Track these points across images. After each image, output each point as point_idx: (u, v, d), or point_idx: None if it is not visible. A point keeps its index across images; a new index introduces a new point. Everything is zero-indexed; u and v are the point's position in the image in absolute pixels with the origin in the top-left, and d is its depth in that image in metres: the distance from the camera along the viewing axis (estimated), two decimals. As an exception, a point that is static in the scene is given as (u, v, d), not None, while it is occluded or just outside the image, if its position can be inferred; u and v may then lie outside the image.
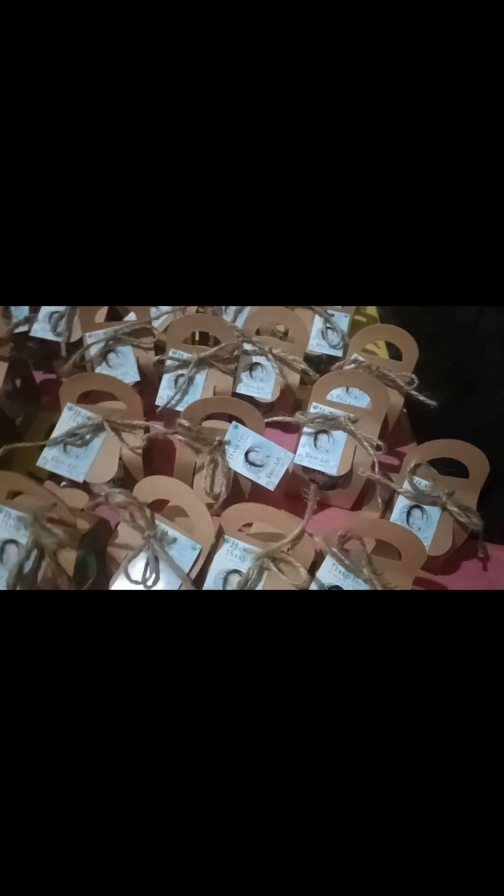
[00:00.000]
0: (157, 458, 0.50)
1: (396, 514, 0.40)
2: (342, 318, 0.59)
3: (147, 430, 0.43)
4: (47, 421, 0.55)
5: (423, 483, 0.41)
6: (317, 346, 0.58)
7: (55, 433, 0.42)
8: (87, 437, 0.42)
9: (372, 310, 0.74)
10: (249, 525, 0.39)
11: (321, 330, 0.59)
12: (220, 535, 0.36)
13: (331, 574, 0.34)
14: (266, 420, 0.43)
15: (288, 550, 0.34)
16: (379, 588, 0.32)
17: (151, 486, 0.36)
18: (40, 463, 0.41)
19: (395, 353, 0.54)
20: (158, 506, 0.37)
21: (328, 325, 0.59)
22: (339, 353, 0.58)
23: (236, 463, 0.42)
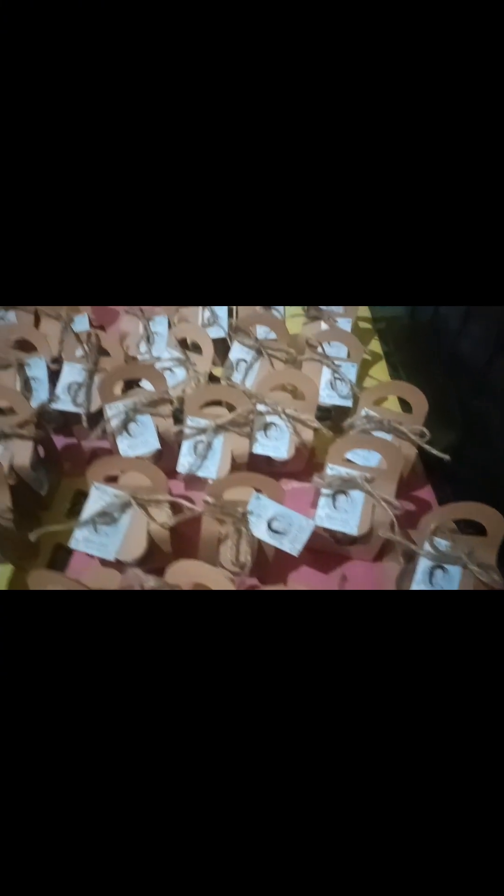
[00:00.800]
0: (181, 526, 0.51)
1: (420, 576, 0.42)
2: (349, 367, 0.61)
3: (173, 504, 0.45)
4: (71, 489, 0.57)
5: (443, 544, 0.42)
6: (326, 397, 0.60)
7: (84, 514, 0.44)
8: (116, 514, 0.44)
9: (376, 346, 0.76)
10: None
11: (329, 381, 0.60)
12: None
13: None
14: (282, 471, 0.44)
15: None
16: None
17: (184, 570, 0.37)
18: (72, 545, 0.43)
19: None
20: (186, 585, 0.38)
21: (336, 375, 0.60)
22: (348, 404, 0.60)
23: (260, 531, 0.44)
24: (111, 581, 0.42)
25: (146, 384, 0.57)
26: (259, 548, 0.45)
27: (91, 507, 0.44)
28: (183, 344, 0.62)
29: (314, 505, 0.52)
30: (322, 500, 0.47)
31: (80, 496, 0.56)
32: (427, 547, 0.42)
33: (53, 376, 0.57)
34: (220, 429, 0.51)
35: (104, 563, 0.45)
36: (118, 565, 0.44)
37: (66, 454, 0.60)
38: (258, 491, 0.43)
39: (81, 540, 0.43)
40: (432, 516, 0.43)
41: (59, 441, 0.61)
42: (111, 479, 0.46)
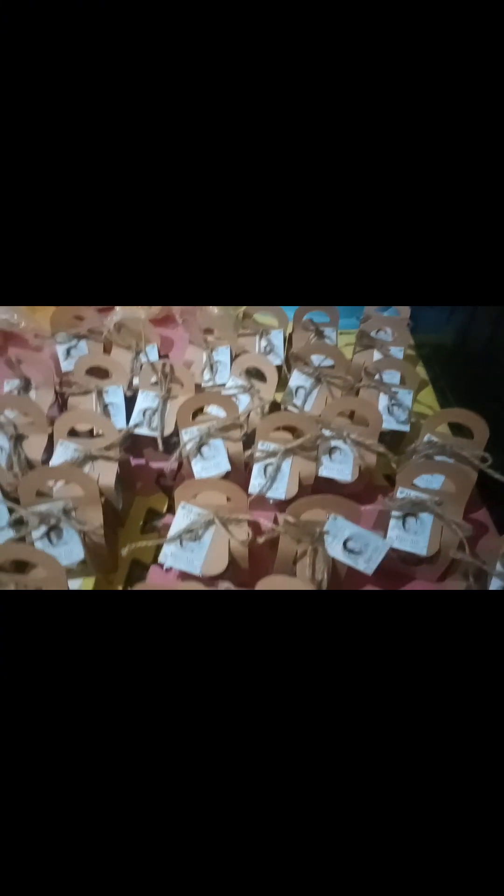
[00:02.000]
0: (258, 545, 0.54)
1: (492, 596, 0.43)
2: (405, 394, 0.64)
3: (251, 523, 0.48)
4: (143, 506, 0.61)
5: (514, 564, 0.44)
6: (385, 423, 0.62)
7: (172, 531, 0.47)
8: (200, 531, 0.47)
9: (421, 372, 0.79)
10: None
11: (387, 407, 0.63)
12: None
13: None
14: (343, 494, 0.47)
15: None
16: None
17: (274, 584, 0.40)
18: (161, 560, 0.46)
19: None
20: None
21: (393, 402, 0.63)
22: (405, 429, 0.62)
23: (335, 551, 0.46)
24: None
25: (214, 409, 0.60)
26: (333, 566, 0.47)
27: (178, 524, 0.47)
28: (247, 372, 0.66)
29: (377, 526, 0.55)
30: (393, 522, 0.49)
31: (152, 514, 0.60)
32: (500, 567, 0.44)
33: (128, 403, 0.62)
34: (288, 452, 0.54)
35: (183, 577, 0.48)
36: (196, 580, 0.47)
37: (138, 475, 0.64)
38: (335, 512, 0.46)
39: (170, 555, 0.46)
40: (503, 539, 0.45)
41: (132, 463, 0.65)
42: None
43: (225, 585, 0.40)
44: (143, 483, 0.63)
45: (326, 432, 0.57)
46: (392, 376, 0.67)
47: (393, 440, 0.63)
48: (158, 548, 0.48)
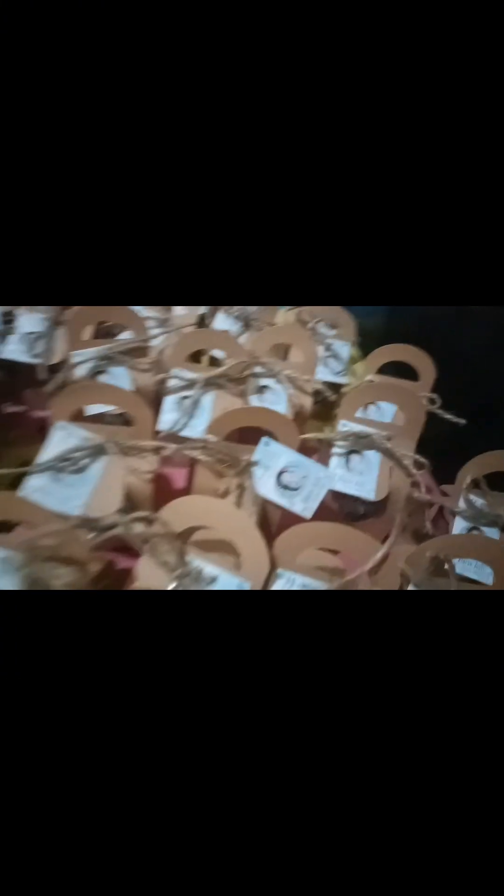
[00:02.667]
0: (165, 482, 0.42)
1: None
2: (342, 346, 0.57)
3: (159, 451, 0.36)
4: (17, 459, 0.46)
5: (478, 501, 0.37)
6: (319, 374, 0.55)
7: (41, 458, 0.34)
8: (84, 461, 0.34)
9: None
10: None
11: (322, 358, 0.56)
12: (271, 570, 0.29)
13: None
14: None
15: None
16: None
17: (184, 509, 0.28)
18: (23, 493, 0.32)
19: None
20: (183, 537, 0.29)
21: (329, 353, 0.56)
22: (343, 380, 0.55)
23: (266, 487, 0.36)
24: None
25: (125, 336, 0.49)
26: (263, 511, 0.37)
27: (52, 449, 0.34)
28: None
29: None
30: (334, 461, 0.40)
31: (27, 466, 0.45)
32: (462, 504, 0.36)
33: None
34: (209, 384, 0.44)
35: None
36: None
37: (13, 422, 0.49)
38: (268, 435, 0.36)
39: (37, 489, 0.33)
40: (468, 468, 0.37)
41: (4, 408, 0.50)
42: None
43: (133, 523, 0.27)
44: (21, 431, 0.49)
45: (257, 369, 0.47)
46: (327, 330, 0.60)
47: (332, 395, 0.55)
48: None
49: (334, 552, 0.34)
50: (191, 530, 0.29)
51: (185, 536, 0.29)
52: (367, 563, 0.27)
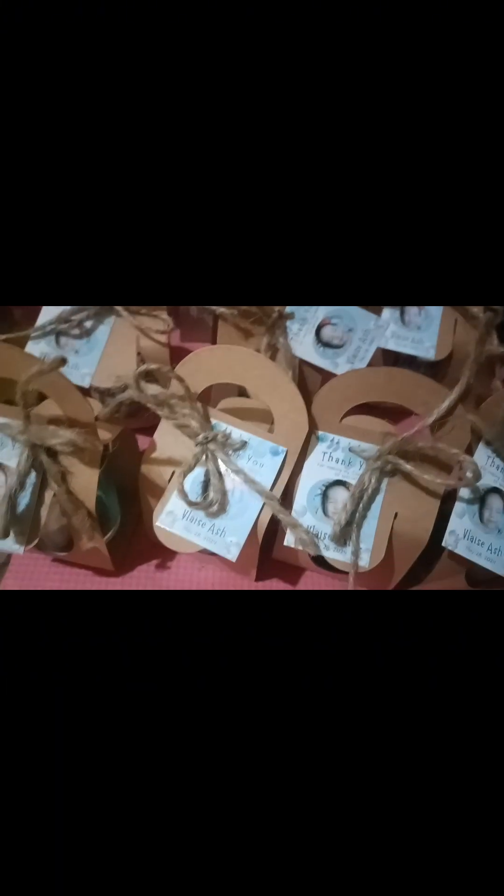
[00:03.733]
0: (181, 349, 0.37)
1: None
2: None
3: (171, 311, 0.31)
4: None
5: None
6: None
7: (40, 320, 0.29)
8: (88, 324, 0.30)
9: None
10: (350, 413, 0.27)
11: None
12: (310, 433, 0.24)
13: (488, 472, 0.23)
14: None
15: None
16: None
17: (206, 364, 0.24)
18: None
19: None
20: (205, 397, 0.25)
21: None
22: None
23: (304, 347, 0.30)
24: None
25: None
26: (301, 375, 0.31)
27: (51, 311, 0.29)
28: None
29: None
30: (386, 313, 0.33)
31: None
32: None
33: None
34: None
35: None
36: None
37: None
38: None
39: (38, 356, 0.29)
40: None
41: None
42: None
43: (149, 385, 0.24)
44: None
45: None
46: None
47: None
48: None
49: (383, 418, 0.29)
50: (212, 391, 0.25)
51: (206, 397, 0.24)
52: (431, 415, 0.22)
